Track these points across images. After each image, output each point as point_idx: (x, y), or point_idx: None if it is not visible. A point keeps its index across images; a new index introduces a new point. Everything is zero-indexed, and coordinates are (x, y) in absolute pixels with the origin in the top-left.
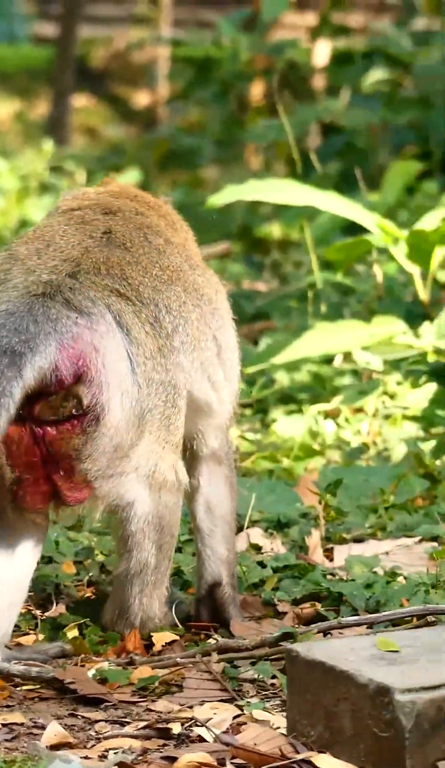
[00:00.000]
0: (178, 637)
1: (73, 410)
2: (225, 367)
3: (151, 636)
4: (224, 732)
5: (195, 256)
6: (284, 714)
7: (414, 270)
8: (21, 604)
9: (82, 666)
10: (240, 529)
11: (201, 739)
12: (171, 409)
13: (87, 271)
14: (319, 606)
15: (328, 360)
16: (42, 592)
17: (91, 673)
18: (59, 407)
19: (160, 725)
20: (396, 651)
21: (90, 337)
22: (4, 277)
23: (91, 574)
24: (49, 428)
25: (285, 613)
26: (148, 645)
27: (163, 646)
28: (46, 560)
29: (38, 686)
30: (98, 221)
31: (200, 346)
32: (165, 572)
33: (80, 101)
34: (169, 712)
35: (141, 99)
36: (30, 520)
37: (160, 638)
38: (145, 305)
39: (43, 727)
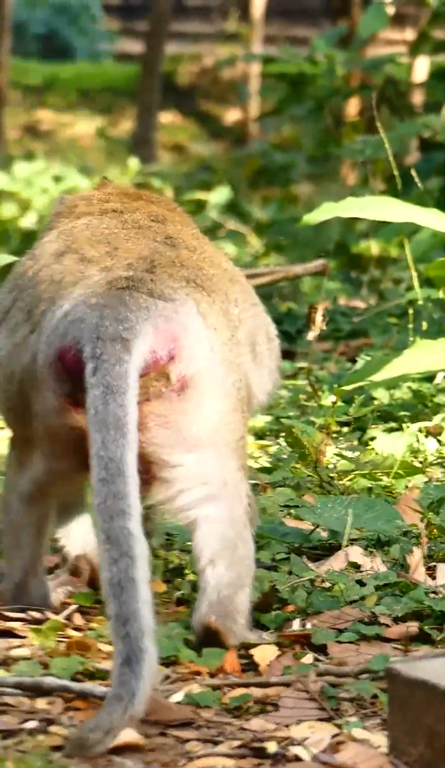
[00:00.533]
0: (272, 659)
1: (163, 388)
2: (272, 359)
3: (253, 655)
4: (321, 751)
5: (231, 263)
6: (385, 733)
7: None
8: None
9: (169, 689)
10: (338, 547)
11: (297, 759)
12: (243, 390)
13: (163, 266)
14: (419, 624)
15: (429, 378)
16: None
17: (179, 696)
18: (150, 387)
19: (254, 744)
20: None
21: (177, 320)
22: (81, 276)
23: (181, 592)
24: (141, 406)
25: (387, 639)
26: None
27: (255, 666)
28: None
29: None
30: (154, 227)
31: (257, 340)
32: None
33: (166, 118)
34: (264, 731)
35: (230, 116)
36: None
37: (264, 657)
38: (218, 296)
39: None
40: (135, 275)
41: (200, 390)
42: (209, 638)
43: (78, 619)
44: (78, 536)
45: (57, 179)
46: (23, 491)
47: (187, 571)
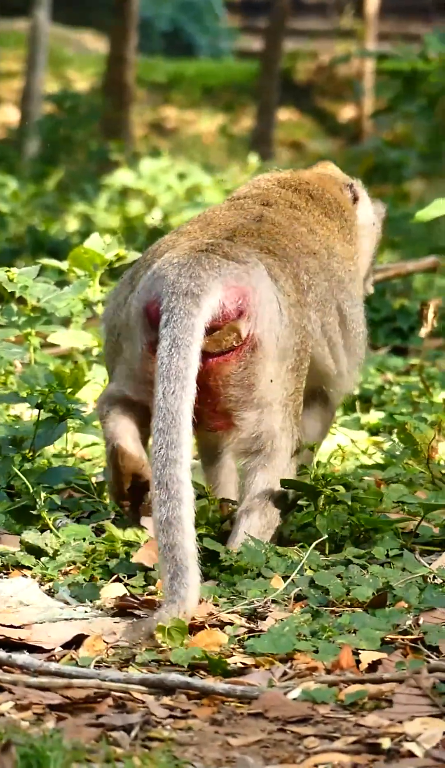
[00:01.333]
0: (385, 655)
1: (234, 342)
2: (348, 337)
3: (360, 653)
4: (434, 747)
5: (339, 248)
6: None
7: None
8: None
9: (287, 685)
10: None
11: (411, 755)
12: (303, 352)
13: (242, 234)
14: None
15: None
16: (249, 605)
17: (297, 692)
18: (222, 340)
19: (369, 740)
20: None
21: (247, 280)
22: (172, 245)
23: (299, 588)
24: (212, 359)
25: None
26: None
27: (370, 663)
28: (255, 574)
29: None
30: (254, 209)
31: (325, 310)
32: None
33: (284, 115)
34: (378, 727)
35: (346, 113)
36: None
37: (368, 656)
38: (289, 262)
39: (248, 744)
40: (215, 242)
41: (267, 348)
42: None
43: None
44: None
45: (181, 176)
46: (111, 396)
47: (306, 567)
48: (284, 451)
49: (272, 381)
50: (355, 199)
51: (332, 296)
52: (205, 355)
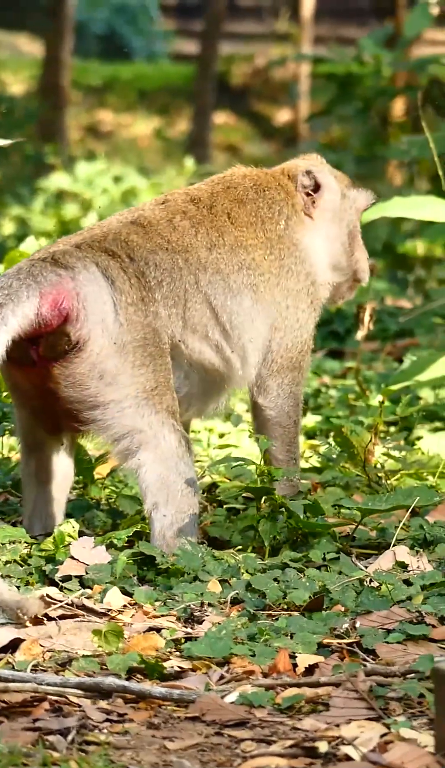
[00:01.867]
0: (322, 658)
1: (66, 346)
2: (234, 329)
3: (296, 657)
4: (371, 751)
5: (230, 242)
6: (432, 732)
7: None
8: (65, 498)
9: (224, 689)
10: (386, 546)
11: (348, 758)
12: (152, 347)
13: (92, 240)
14: None
15: None
16: (185, 608)
17: (234, 696)
18: (57, 345)
19: (306, 744)
20: None
21: (71, 285)
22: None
23: (235, 592)
24: (52, 363)
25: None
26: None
27: (307, 666)
28: (192, 578)
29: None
30: (140, 212)
31: (187, 305)
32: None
33: (220, 118)
34: (315, 731)
35: (282, 116)
36: (57, 440)
37: (305, 659)
38: (134, 261)
39: (185, 748)
40: (57, 250)
41: (98, 347)
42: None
43: (138, 618)
44: None
45: (117, 179)
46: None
47: (242, 571)
48: (165, 442)
49: (111, 379)
50: (316, 187)
51: (196, 290)
52: (45, 360)
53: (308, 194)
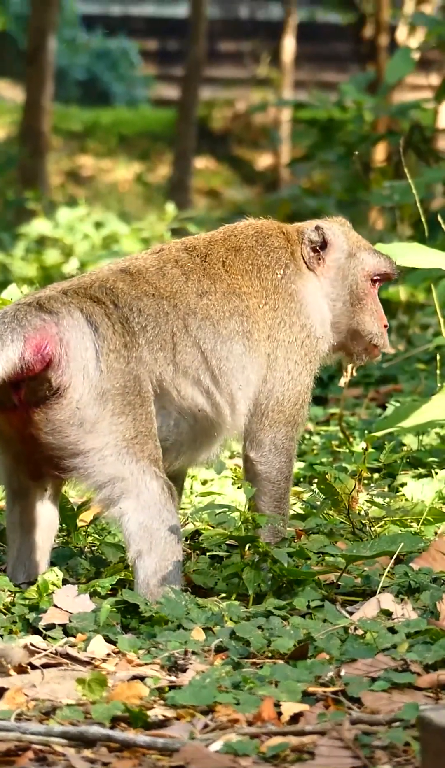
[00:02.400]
0: (307, 707)
1: (47, 392)
2: (223, 375)
3: (281, 705)
4: None
5: (222, 289)
6: None
7: None
8: (50, 546)
9: (209, 737)
10: (371, 594)
11: None
12: (133, 396)
13: (79, 286)
14: None
15: None
16: (169, 657)
17: (218, 745)
18: (38, 390)
19: None
20: None
21: (55, 330)
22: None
23: (219, 640)
24: (33, 409)
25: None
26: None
27: (292, 715)
28: (176, 626)
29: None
30: (133, 261)
31: (176, 349)
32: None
33: (201, 163)
34: None
35: (263, 161)
36: (40, 486)
37: (289, 708)
38: (119, 308)
39: None
40: (44, 295)
41: (77, 394)
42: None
43: (122, 667)
44: None
45: (98, 225)
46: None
47: (226, 619)
48: (147, 490)
49: (90, 427)
50: (324, 244)
51: (185, 334)
52: (27, 405)
53: (314, 250)
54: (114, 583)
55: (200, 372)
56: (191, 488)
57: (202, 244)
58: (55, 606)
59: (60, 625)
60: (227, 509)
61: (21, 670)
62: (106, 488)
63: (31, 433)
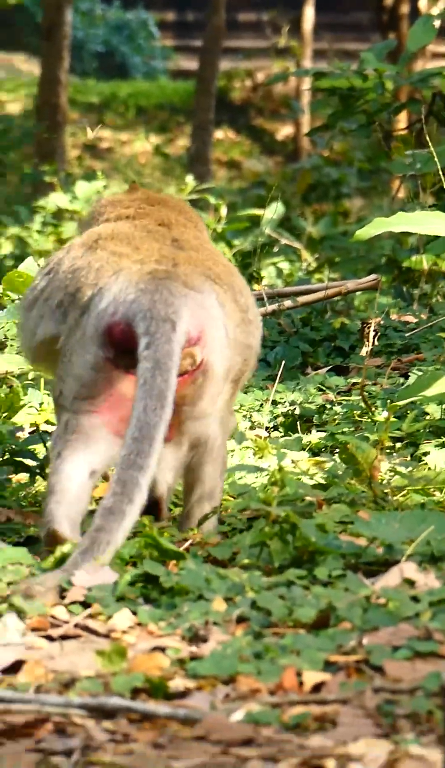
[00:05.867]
0: (329, 676)
1: (189, 366)
2: (251, 339)
3: (303, 674)
4: None
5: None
6: (440, 749)
7: None
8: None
9: (230, 707)
10: (393, 563)
11: None
12: (245, 366)
13: (182, 263)
14: None
15: None
16: (190, 627)
17: (240, 715)
18: (181, 365)
19: (314, 762)
20: None
21: (205, 308)
22: (118, 268)
23: (241, 610)
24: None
25: (442, 656)
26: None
27: (314, 684)
28: (196, 597)
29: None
30: (162, 230)
31: (258, 323)
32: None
33: (221, 134)
34: (322, 749)
35: (283, 131)
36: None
37: (311, 677)
38: (229, 288)
39: (192, 767)
40: (169, 269)
41: (216, 371)
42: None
43: (142, 638)
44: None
45: None
46: (61, 450)
47: (247, 589)
48: (221, 446)
49: (217, 399)
50: None
51: (255, 308)
52: None
53: None
54: (133, 554)
55: (254, 344)
56: None
57: (188, 221)
58: (72, 584)
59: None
60: (256, 471)
61: (39, 627)
62: (198, 442)
63: None
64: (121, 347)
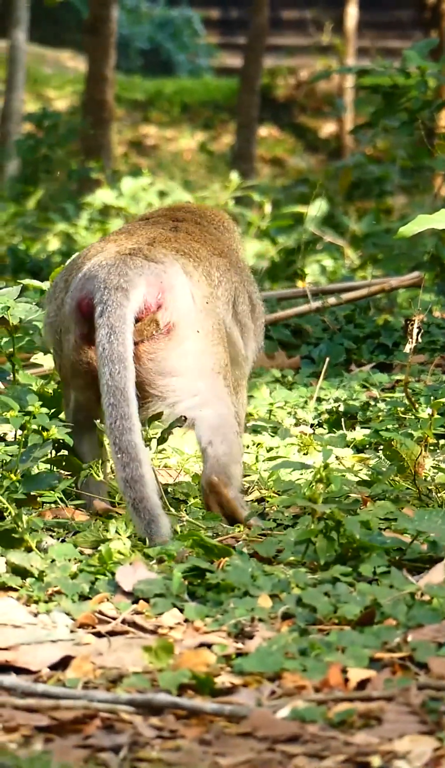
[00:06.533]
0: (374, 673)
1: (154, 332)
2: (256, 324)
3: (348, 671)
4: (424, 765)
5: (237, 253)
6: None
7: None
8: None
9: (276, 704)
10: (438, 560)
11: None
12: (222, 331)
13: (160, 241)
14: None
15: None
16: (235, 627)
17: (286, 711)
18: (144, 330)
19: (359, 759)
20: None
21: (165, 277)
22: (101, 250)
23: (287, 606)
24: (136, 346)
25: None
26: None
27: (359, 681)
28: (242, 593)
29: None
30: (169, 224)
31: (238, 300)
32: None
33: (265, 131)
34: (368, 746)
35: (326, 128)
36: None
37: (357, 674)
38: (201, 262)
39: (237, 764)
40: (137, 246)
41: (183, 331)
42: (213, 492)
43: (188, 634)
44: None
45: (162, 194)
46: (69, 422)
47: (292, 585)
48: (228, 403)
49: (194, 356)
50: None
51: (243, 288)
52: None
53: None
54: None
55: (248, 319)
56: (256, 455)
57: (204, 222)
58: (117, 584)
59: (126, 593)
60: (301, 468)
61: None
62: (188, 401)
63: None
64: (91, 321)
